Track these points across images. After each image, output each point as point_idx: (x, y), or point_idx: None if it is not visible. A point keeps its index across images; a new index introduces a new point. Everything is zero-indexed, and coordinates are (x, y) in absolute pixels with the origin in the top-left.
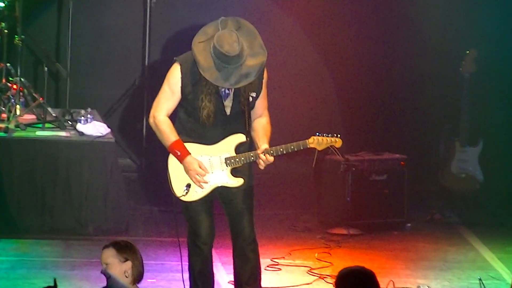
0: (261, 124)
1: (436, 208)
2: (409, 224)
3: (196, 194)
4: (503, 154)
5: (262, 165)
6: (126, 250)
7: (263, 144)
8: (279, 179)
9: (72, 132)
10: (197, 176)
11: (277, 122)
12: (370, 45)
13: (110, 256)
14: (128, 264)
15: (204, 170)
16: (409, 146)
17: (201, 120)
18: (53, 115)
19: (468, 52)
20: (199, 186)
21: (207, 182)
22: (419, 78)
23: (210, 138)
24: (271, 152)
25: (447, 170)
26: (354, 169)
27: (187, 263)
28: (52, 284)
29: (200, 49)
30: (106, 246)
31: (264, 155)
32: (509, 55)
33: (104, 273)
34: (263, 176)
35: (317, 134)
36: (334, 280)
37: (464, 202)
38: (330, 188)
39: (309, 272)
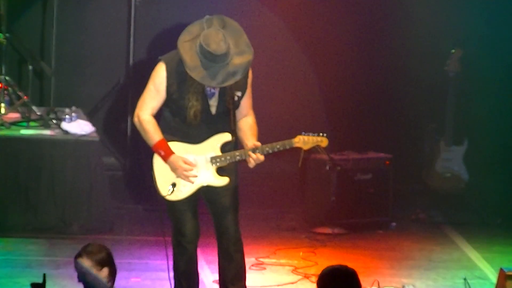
0: (248, 123)
1: (421, 207)
2: (394, 224)
3: (181, 193)
4: (488, 154)
5: (252, 164)
6: (101, 258)
7: (252, 143)
8: (264, 178)
9: (57, 130)
10: (184, 172)
11: (262, 121)
12: (355, 44)
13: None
14: (106, 271)
15: (189, 165)
16: (394, 145)
17: (188, 119)
18: (38, 113)
19: (453, 51)
20: (188, 181)
21: (196, 176)
22: (404, 77)
23: (195, 137)
24: (261, 150)
25: (432, 169)
26: (339, 168)
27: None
28: (41, 281)
29: (186, 48)
30: (79, 256)
31: (254, 153)
32: (494, 55)
33: (83, 279)
34: (248, 175)
35: (303, 133)
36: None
37: (449, 201)
38: (315, 187)
39: (294, 271)
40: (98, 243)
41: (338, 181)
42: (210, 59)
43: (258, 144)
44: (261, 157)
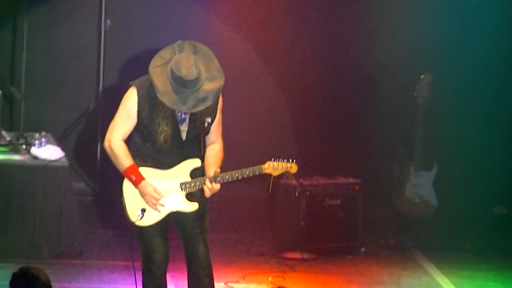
0: (213, 151)
1: (390, 233)
2: (363, 249)
3: (151, 219)
4: (457, 179)
5: (207, 194)
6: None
7: (211, 171)
8: (233, 203)
9: (26, 156)
10: (152, 200)
11: (231, 147)
12: (324, 69)
13: None
14: None
15: (159, 194)
16: (363, 170)
17: (158, 145)
18: (7, 138)
19: (422, 76)
20: (155, 209)
21: (163, 206)
22: (373, 102)
23: (165, 162)
24: (218, 179)
25: (401, 195)
26: (308, 193)
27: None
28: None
29: (158, 73)
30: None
31: (210, 183)
32: (463, 80)
33: None
34: (218, 200)
35: (273, 159)
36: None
37: (418, 227)
38: (284, 212)
39: None
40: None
41: (308, 206)
42: (181, 84)
43: (218, 171)
44: (216, 186)
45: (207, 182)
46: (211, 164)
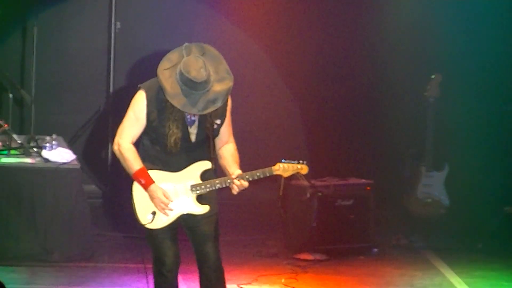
0: (229, 151)
1: (402, 233)
2: (375, 249)
3: (161, 221)
4: (468, 179)
5: (236, 191)
6: None
7: (235, 170)
8: (244, 205)
9: (37, 159)
10: (161, 204)
11: (242, 148)
12: (335, 70)
13: None
14: None
15: (168, 198)
16: (375, 171)
17: (168, 147)
18: (18, 141)
19: (432, 76)
20: (164, 213)
21: (172, 210)
22: (384, 102)
23: (174, 165)
24: (246, 177)
25: (412, 195)
26: (320, 194)
27: None
28: None
29: (166, 76)
30: None
31: (238, 180)
32: (474, 79)
33: None
34: (228, 202)
35: (283, 160)
36: None
37: (430, 227)
38: (296, 214)
39: None
40: None
41: (319, 207)
42: (191, 86)
43: (241, 172)
44: (245, 184)
45: (236, 180)
46: (231, 163)
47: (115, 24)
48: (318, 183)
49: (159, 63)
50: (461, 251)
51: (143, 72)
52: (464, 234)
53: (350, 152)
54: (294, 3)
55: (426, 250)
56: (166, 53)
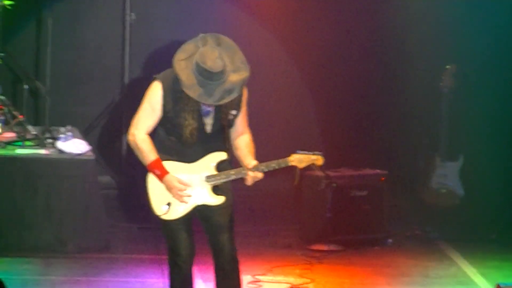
0: (245, 141)
1: (417, 224)
2: (390, 240)
3: (176, 212)
4: (483, 169)
5: (250, 182)
6: None
7: (250, 161)
8: (259, 196)
9: (52, 150)
10: (179, 192)
11: (257, 139)
12: (350, 61)
13: None
14: None
15: (185, 185)
16: (389, 162)
17: (184, 138)
18: (33, 133)
19: (447, 67)
20: (182, 201)
21: (190, 196)
22: (398, 93)
23: (190, 156)
24: (261, 168)
25: (427, 185)
26: (334, 185)
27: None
28: None
29: (182, 66)
30: None
31: (253, 171)
32: (488, 70)
33: None
34: (243, 193)
35: (298, 151)
36: None
37: (444, 217)
38: (310, 204)
39: None
40: None
41: (334, 198)
42: (207, 77)
43: (256, 163)
44: (260, 175)
45: (250, 171)
46: (247, 154)
47: (130, 15)
48: (332, 173)
49: (174, 54)
50: (475, 241)
51: (157, 63)
52: (478, 224)
53: (365, 143)
54: None
55: (441, 241)
56: (181, 44)
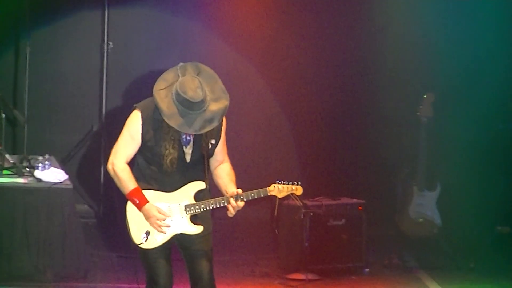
0: (225, 170)
1: (394, 252)
2: (367, 269)
3: (155, 241)
4: (460, 198)
5: (231, 212)
6: None
7: (233, 189)
8: (237, 225)
9: (30, 178)
10: (158, 222)
11: (236, 169)
12: (327, 89)
13: None
14: None
15: (164, 214)
16: (367, 190)
17: (164, 167)
18: (11, 161)
19: (425, 96)
20: (160, 231)
21: (169, 226)
22: (376, 122)
23: (169, 185)
24: (241, 197)
25: (405, 214)
26: (312, 214)
27: None
28: None
29: (162, 96)
30: None
31: (234, 201)
32: (466, 99)
33: None
34: (222, 222)
35: (278, 181)
36: None
37: (422, 246)
38: (288, 233)
39: None
40: None
41: (311, 227)
42: (188, 106)
43: (240, 191)
44: (241, 204)
45: (232, 200)
46: (228, 182)
47: (108, 44)
48: (310, 202)
49: (154, 83)
50: (454, 270)
51: (135, 91)
52: (456, 253)
53: (343, 171)
54: (285, 25)
55: (419, 270)
56: (159, 72)
